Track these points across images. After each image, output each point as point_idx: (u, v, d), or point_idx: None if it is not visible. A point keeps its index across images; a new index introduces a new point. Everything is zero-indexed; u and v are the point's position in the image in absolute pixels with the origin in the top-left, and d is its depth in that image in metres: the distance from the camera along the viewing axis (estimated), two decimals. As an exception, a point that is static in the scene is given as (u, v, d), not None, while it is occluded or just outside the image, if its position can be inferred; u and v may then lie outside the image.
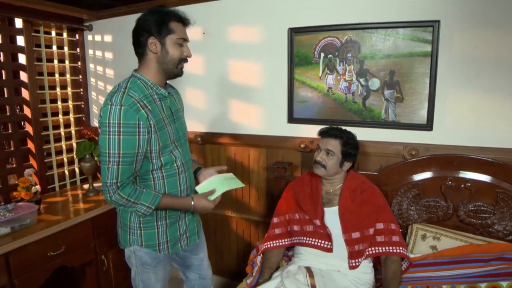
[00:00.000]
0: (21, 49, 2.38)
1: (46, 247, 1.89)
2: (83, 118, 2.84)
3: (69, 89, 2.73)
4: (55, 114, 2.64)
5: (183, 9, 2.30)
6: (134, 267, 1.58)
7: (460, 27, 1.76)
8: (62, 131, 2.68)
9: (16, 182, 2.19)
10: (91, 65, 2.82)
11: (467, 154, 1.77)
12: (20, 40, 2.38)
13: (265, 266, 1.78)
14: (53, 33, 2.58)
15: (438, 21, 1.78)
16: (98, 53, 2.78)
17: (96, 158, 2.43)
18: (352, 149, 1.69)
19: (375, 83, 1.96)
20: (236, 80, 2.34)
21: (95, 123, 2.88)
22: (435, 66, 1.82)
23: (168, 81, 1.53)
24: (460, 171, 1.77)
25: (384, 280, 1.58)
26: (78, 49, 2.78)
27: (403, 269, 1.67)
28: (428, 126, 1.88)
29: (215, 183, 1.54)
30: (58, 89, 2.64)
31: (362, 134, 1.99)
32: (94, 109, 2.87)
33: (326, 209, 1.71)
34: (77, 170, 2.78)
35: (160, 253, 1.53)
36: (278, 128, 2.25)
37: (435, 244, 1.75)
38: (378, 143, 2.01)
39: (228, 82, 2.36)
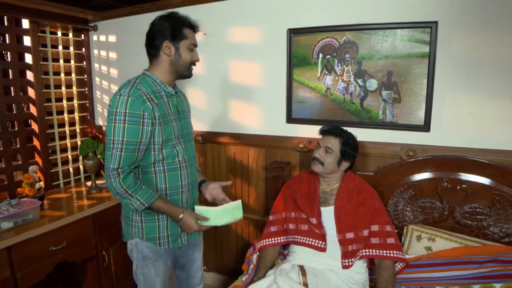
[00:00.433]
0: (28, 49, 2.44)
1: (48, 242, 1.93)
2: (88, 117, 2.90)
3: (74, 88, 2.79)
4: (60, 112, 2.70)
5: (185, 10, 2.35)
6: (136, 260, 1.62)
7: (458, 28, 1.76)
8: (67, 129, 2.74)
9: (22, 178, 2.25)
10: (96, 65, 2.88)
11: (463, 155, 1.76)
12: (27, 40, 2.44)
13: (260, 265, 1.80)
14: (59, 33, 2.64)
15: (436, 22, 1.78)
16: (103, 53, 2.83)
17: (98, 156, 2.48)
18: (351, 150, 1.70)
19: (373, 84, 1.97)
20: (236, 80, 2.37)
21: (99, 121, 2.94)
22: (432, 67, 1.82)
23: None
24: (456, 173, 1.77)
25: None
26: (83, 49, 2.84)
27: (397, 270, 1.68)
28: (425, 127, 1.88)
29: (215, 215, 1.56)
30: (63, 88, 2.70)
31: (359, 134, 1.99)
32: (99, 108, 2.92)
33: (322, 209, 1.72)
34: (81, 167, 2.84)
35: (160, 247, 1.57)
36: (277, 128, 2.27)
37: (430, 245, 1.75)
38: (375, 144, 2.01)
39: (228, 82, 2.39)
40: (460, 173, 1.76)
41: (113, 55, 2.79)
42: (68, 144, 2.76)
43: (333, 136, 1.72)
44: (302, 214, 1.75)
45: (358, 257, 1.63)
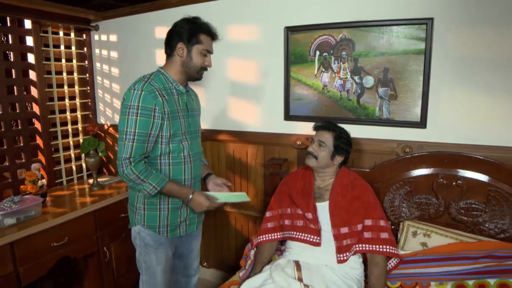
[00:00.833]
0: (30, 49, 2.48)
1: (49, 238, 1.98)
2: (90, 115, 2.94)
3: (76, 87, 2.83)
4: (63, 111, 2.74)
5: (184, 9, 2.40)
6: (138, 248, 1.71)
7: (454, 24, 1.76)
8: (69, 127, 2.78)
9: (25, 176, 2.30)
10: (98, 64, 2.92)
11: (459, 151, 1.77)
12: (29, 41, 2.49)
13: (257, 261, 1.83)
14: (61, 33, 2.68)
15: (432, 19, 1.78)
16: (104, 52, 2.87)
17: (100, 153, 2.52)
18: (343, 144, 1.72)
19: (369, 81, 1.98)
20: (234, 78, 2.39)
21: (101, 120, 2.98)
22: (428, 64, 1.82)
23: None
24: (452, 169, 1.77)
25: (369, 285, 1.60)
26: (85, 49, 2.88)
27: (392, 266, 1.69)
28: (421, 123, 1.89)
29: (222, 196, 1.67)
30: (65, 87, 2.74)
31: (356, 131, 2.01)
32: (101, 107, 2.96)
33: (317, 204, 1.74)
34: (84, 165, 2.89)
35: (159, 235, 1.65)
36: (275, 125, 2.29)
37: (426, 241, 1.76)
38: (372, 141, 2.02)
39: (227, 81, 2.41)
40: (456, 169, 1.76)
41: (114, 54, 2.83)
42: (71, 142, 2.80)
43: (326, 131, 1.74)
44: (297, 210, 1.77)
45: (352, 252, 1.64)
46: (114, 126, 2.90)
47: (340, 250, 1.63)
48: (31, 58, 2.50)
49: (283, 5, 2.14)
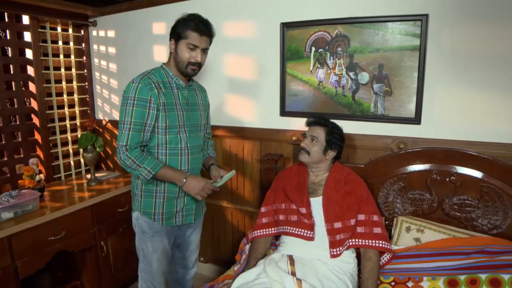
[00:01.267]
0: (28, 45, 2.50)
1: (46, 232, 2.00)
2: (88, 111, 2.96)
3: (74, 83, 2.84)
4: (61, 106, 2.76)
5: (180, 6, 2.41)
6: (137, 235, 1.77)
7: (449, 21, 1.76)
8: (67, 123, 2.80)
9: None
10: (96, 60, 2.93)
11: (453, 147, 1.77)
12: (27, 36, 2.50)
13: (251, 256, 1.84)
14: (59, 29, 2.69)
15: (427, 15, 1.79)
16: (102, 48, 2.88)
17: (97, 149, 2.53)
18: (336, 139, 1.72)
19: (364, 77, 1.98)
20: (231, 74, 2.40)
21: (99, 115, 3.00)
22: (423, 60, 1.83)
23: (194, 79, 1.79)
24: (445, 165, 1.78)
25: (361, 280, 1.61)
26: (83, 44, 2.89)
27: (385, 261, 1.70)
28: (416, 119, 1.90)
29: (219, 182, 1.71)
30: (63, 82, 2.76)
31: (351, 127, 2.02)
32: (99, 102, 2.98)
33: (311, 199, 1.75)
34: (82, 160, 2.91)
35: (155, 222, 1.70)
36: (271, 121, 2.30)
37: (419, 236, 1.77)
38: (367, 137, 2.03)
39: (223, 76, 2.42)
40: (450, 165, 1.77)
41: (112, 50, 2.84)
42: (69, 138, 2.82)
43: (318, 126, 1.75)
44: (292, 205, 1.78)
45: (345, 247, 1.65)
46: (112, 122, 2.91)
47: (333, 244, 1.65)
48: (29, 53, 2.52)
49: (279, 1, 2.15)
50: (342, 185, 1.73)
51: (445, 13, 1.76)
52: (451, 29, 1.77)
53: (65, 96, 2.77)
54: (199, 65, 1.65)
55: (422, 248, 1.70)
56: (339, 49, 2.02)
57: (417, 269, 1.66)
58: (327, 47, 2.05)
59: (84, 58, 2.90)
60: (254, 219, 2.47)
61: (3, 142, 2.38)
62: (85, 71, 2.92)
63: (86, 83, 2.94)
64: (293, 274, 1.56)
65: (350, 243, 1.65)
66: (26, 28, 2.47)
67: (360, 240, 1.64)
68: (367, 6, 1.91)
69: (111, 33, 2.82)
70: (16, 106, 2.47)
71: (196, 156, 1.76)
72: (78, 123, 2.88)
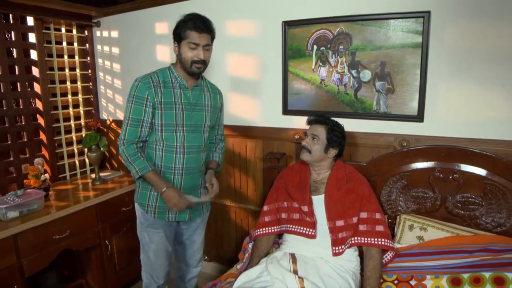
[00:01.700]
0: (33, 46, 2.52)
1: (51, 230, 2.02)
2: (92, 111, 2.98)
3: (78, 83, 2.87)
4: (65, 107, 2.79)
5: (182, 5, 2.42)
6: (137, 225, 1.86)
7: (451, 17, 1.75)
8: (72, 123, 2.83)
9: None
10: (100, 60, 2.95)
11: (455, 145, 1.76)
12: (32, 37, 2.52)
13: (254, 255, 1.84)
14: (63, 29, 2.72)
15: (429, 12, 1.77)
16: (106, 48, 2.90)
17: (102, 148, 2.56)
18: (336, 136, 1.72)
19: (366, 75, 1.98)
20: (233, 73, 2.41)
21: (104, 115, 3.02)
22: (425, 57, 1.82)
23: (207, 79, 1.88)
24: (448, 162, 1.76)
25: (364, 278, 1.61)
26: (87, 45, 2.91)
27: (388, 259, 1.70)
28: (419, 117, 1.88)
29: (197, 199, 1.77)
30: (68, 83, 2.78)
31: (354, 125, 2.02)
32: (103, 102, 3.00)
33: (313, 197, 1.75)
34: (87, 160, 2.93)
35: (147, 214, 1.78)
36: (273, 119, 2.30)
37: (422, 234, 1.76)
38: (369, 135, 2.02)
39: (226, 76, 2.43)
40: (452, 163, 1.76)
41: (115, 50, 2.86)
42: (74, 138, 2.84)
43: (319, 124, 1.75)
44: (294, 203, 1.78)
45: (348, 245, 1.65)
46: (116, 121, 2.93)
47: (335, 243, 1.64)
48: (34, 54, 2.54)
49: (281, 0, 2.14)
50: (344, 183, 1.72)
51: (447, 9, 1.75)
52: (453, 26, 1.75)
53: (69, 96, 2.80)
54: (204, 63, 1.67)
55: (425, 246, 1.70)
56: (341, 47, 2.01)
57: (420, 267, 1.65)
58: (328, 45, 2.04)
59: (88, 58, 2.93)
60: (257, 217, 2.46)
61: (9, 142, 2.41)
62: (89, 71, 2.95)
63: (90, 83, 2.96)
64: (295, 272, 1.57)
65: (352, 241, 1.65)
66: (31, 29, 2.50)
67: (362, 238, 1.63)
68: (368, 3, 1.91)
69: (114, 34, 2.84)
70: (21, 107, 2.49)
71: (193, 155, 1.77)
72: (82, 123, 2.91)
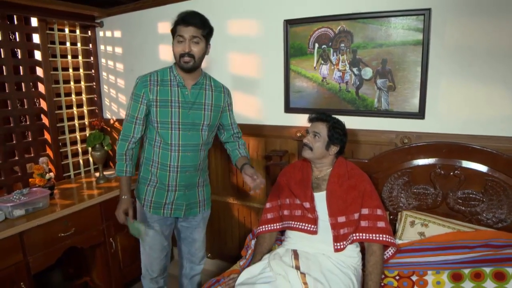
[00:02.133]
0: (37, 46, 2.55)
1: (57, 228, 2.05)
2: (96, 110, 3.01)
3: (82, 83, 2.90)
4: (69, 106, 2.82)
5: (185, 5, 2.44)
6: (137, 218, 1.91)
7: (451, 14, 1.76)
8: (76, 122, 2.85)
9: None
10: (103, 60, 2.98)
11: (456, 141, 1.77)
12: (36, 38, 2.55)
13: (256, 252, 1.86)
14: (67, 30, 2.74)
15: (429, 10, 1.78)
16: (109, 48, 2.93)
17: (105, 147, 2.58)
18: (338, 134, 1.73)
19: (367, 72, 1.99)
20: (235, 72, 2.42)
21: (107, 115, 3.05)
22: (426, 55, 1.83)
23: (213, 78, 1.89)
24: (449, 159, 1.78)
25: (366, 273, 1.62)
26: (90, 45, 2.94)
27: (389, 255, 1.71)
28: (420, 114, 1.90)
29: (133, 225, 1.81)
30: (72, 83, 2.81)
31: (355, 122, 2.03)
32: (106, 102, 3.03)
33: (315, 194, 1.76)
34: (90, 159, 2.96)
35: (144, 208, 1.84)
36: (275, 117, 2.32)
37: (423, 230, 1.77)
38: (371, 132, 2.04)
39: (228, 74, 2.44)
40: (453, 159, 1.77)
41: (118, 50, 2.88)
42: (78, 137, 2.87)
43: (320, 122, 1.76)
44: (296, 200, 1.80)
45: (349, 241, 1.66)
46: (120, 121, 2.96)
47: (337, 239, 1.66)
48: (38, 55, 2.57)
49: (282, -2, 2.16)
50: (346, 180, 1.74)
51: (448, 7, 1.76)
52: (453, 23, 1.76)
53: (73, 96, 2.82)
54: (192, 56, 1.65)
55: (426, 242, 1.71)
56: (342, 45, 2.02)
57: (421, 263, 1.67)
58: (330, 43, 2.06)
59: (92, 58, 2.95)
60: (260, 215, 2.49)
61: (14, 141, 2.44)
62: (93, 71, 2.97)
63: (94, 83, 2.99)
64: (297, 268, 1.58)
65: (354, 237, 1.66)
66: (35, 30, 2.53)
67: (363, 234, 1.65)
68: (369, 1, 1.92)
69: (117, 34, 2.86)
70: (26, 107, 2.52)
71: (190, 154, 1.77)
72: (86, 123, 2.94)
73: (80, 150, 2.89)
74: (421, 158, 1.84)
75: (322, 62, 2.10)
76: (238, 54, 2.39)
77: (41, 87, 2.60)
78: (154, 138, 1.76)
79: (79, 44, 2.85)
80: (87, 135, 2.91)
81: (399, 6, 1.85)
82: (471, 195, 1.74)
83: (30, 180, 2.26)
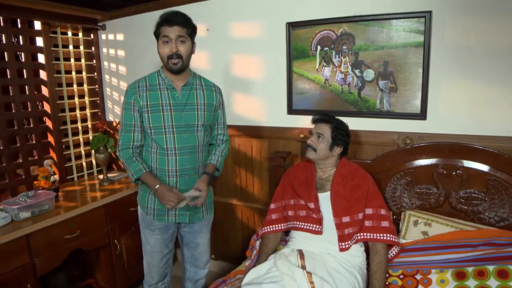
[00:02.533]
0: (40, 49, 2.57)
1: (62, 230, 2.07)
2: (99, 113, 3.03)
3: (85, 85, 2.91)
4: (72, 109, 2.83)
5: (187, 8, 2.45)
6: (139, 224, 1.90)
7: (452, 16, 1.78)
8: (79, 125, 2.87)
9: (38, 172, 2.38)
10: (105, 63, 2.99)
11: (458, 141, 1.80)
12: (39, 41, 2.57)
13: (262, 252, 1.88)
14: (69, 33, 2.76)
15: (430, 12, 1.81)
16: (111, 51, 2.95)
17: (109, 149, 2.59)
18: (341, 135, 1.75)
19: (369, 74, 2.01)
20: (238, 74, 2.44)
21: (110, 117, 3.06)
22: (427, 56, 1.85)
23: (205, 77, 1.87)
24: (451, 159, 1.80)
25: (370, 273, 1.64)
26: (93, 48, 2.95)
27: (393, 254, 1.73)
28: (422, 115, 1.92)
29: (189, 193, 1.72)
30: (75, 86, 2.82)
31: (358, 124, 2.06)
32: (109, 104, 3.04)
33: (319, 194, 1.78)
34: (94, 161, 2.97)
35: (147, 216, 1.81)
36: (278, 119, 2.34)
37: (426, 230, 1.79)
38: (373, 133, 2.06)
39: (231, 76, 2.47)
40: (455, 159, 1.79)
41: (121, 53, 2.90)
42: (81, 140, 2.89)
43: (324, 123, 1.78)
44: (300, 200, 1.82)
45: (354, 241, 1.68)
46: (122, 123, 2.97)
47: (341, 238, 1.68)
48: (41, 58, 2.58)
49: (285, 1, 2.18)
50: (349, 180, 1.76)
51: (448, 8, 1.78)
52: (454, 25, 1.79)
53: (76, 99, 2.84)
54: (180, 56, 1.63)
55: (429, 241, 1.73)
56: (344, 47, 2.05)
57: (425, 262, 1.69)
58: (332, 46, 2.08)
59: (94, 61, 2.97)
60: (264, 216, 2.50)
61: (18, 144, 2.46)
62: (95, 74, 2.99)
63: (97, 86, 3.01)
64: (303, 267, 1.60)
65: (359, 237, 1.68)
66: (38, 33, 2.54)
67: (368, 234, 1.67)
68: (371, 4, 1.94)
69: (120, 37, 2.88)
70: (29, 110, 2.53)
71: (187, 156, 1.74)
72: (89, 125, 2.95)
73: (83, 152, 2.90)
74: (423, 158, 1.86)
75: (325, 64, 2.12)
76: (241, 56, 2.41)
77: (45, 90, 2.61)
78: (150, 145, 1.73)
79: (82, 47, 2.87)
80: (90, 137, 2.92)
81: (400, 8, 1.88)
82: (473, 195, 1.77)
83: (35, 182, 2.27)
